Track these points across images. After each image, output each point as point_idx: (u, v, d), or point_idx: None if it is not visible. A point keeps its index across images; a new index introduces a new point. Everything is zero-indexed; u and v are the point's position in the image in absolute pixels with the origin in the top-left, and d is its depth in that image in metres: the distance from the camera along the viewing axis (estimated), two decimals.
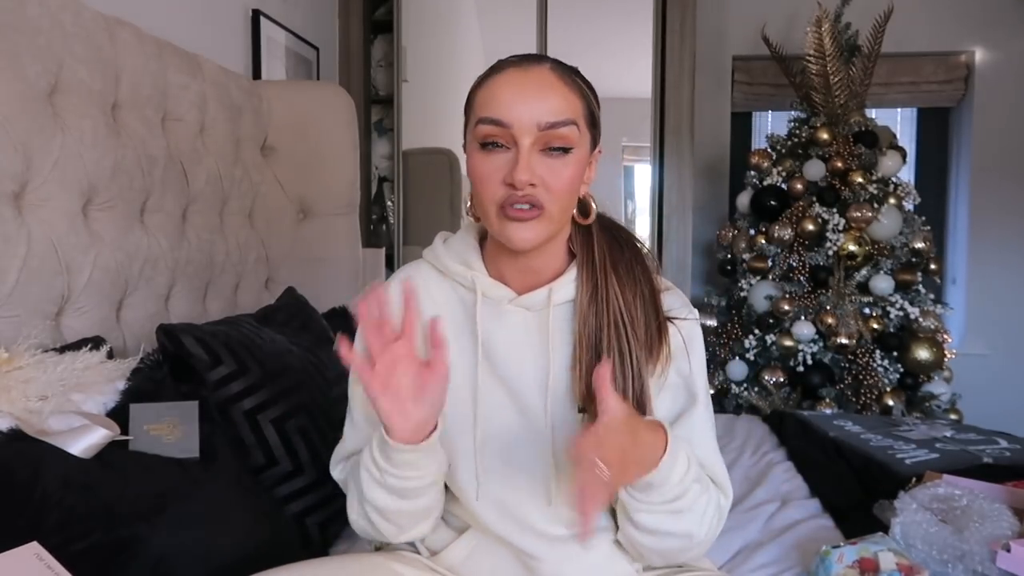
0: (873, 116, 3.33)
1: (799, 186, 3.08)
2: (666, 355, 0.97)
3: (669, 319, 0.98)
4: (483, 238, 1.03)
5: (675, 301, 1.00)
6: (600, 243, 0.97)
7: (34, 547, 0.82)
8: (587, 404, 0.94)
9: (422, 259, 1.06)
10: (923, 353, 2.96)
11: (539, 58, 0.93)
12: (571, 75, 0.93)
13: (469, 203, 0.98)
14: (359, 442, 1.02)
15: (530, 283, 0.98)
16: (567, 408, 0.97)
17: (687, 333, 0.99)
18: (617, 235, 1.00)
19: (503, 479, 0.98)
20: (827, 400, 2.97)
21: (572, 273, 0.98)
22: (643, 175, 3.37)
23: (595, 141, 0.96)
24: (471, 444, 0.97)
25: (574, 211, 0.97)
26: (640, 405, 0.93)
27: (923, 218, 3.15)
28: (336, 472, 1.06)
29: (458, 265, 1.01)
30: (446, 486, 1.05)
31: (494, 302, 0.99)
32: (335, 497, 1.37)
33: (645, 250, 1.01)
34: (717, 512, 0.97)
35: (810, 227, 3.02)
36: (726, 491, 1.00)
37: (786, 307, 3.02)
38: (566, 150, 0.90)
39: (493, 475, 0.97)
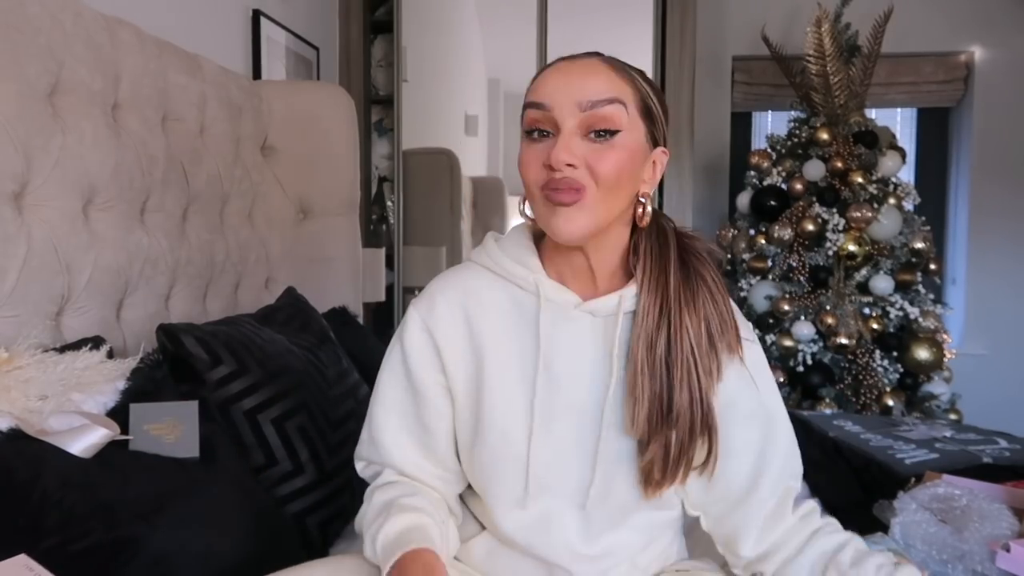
0: (873, 116, 3.33)
1: (799, 186, 3.08)
2: (737, 375, 0.94)
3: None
4: (537, 238, 0.99)
5: (736, 316, 0.96)
6: (678, 260, 0.92)
7: (22, 559, 0.81)
8: (643, 435, 0.90)
9: (470, 261, 1.02)
10: (923, 353, 2.96)
11: (593, 53, 0.92)
12: (625, 65, 0.91)
13: (522, 206, 0.95)
14: (381, 457, 1.00)
15: (588, 287, 0.95)
16: (620, 422, 0.93)
17: (749, 359, 0.95)
18: (686, 246, 0.95)
19: (551, 493, 0.94)
20: (827, 400, 2.97)
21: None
22: None
23: (655, 138, 0.91)
24: (524, 454, 0.93)
25: (635, 211, 0.92)
26: (708, 428, 0.91)
27: (923, 218, 3.15)
28: (359, 466, 1.04)
29: (517, 267, 0.96)
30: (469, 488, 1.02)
31: (557, 307, 0.94)
32: (335, 497, 1.37)
33: (715, 270, 0.95)
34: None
35: (810, 227, 3.02)
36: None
37: (786, 307, 3.02)
38: (612, 132, 0.86)
39: (541, 486, 0.94)
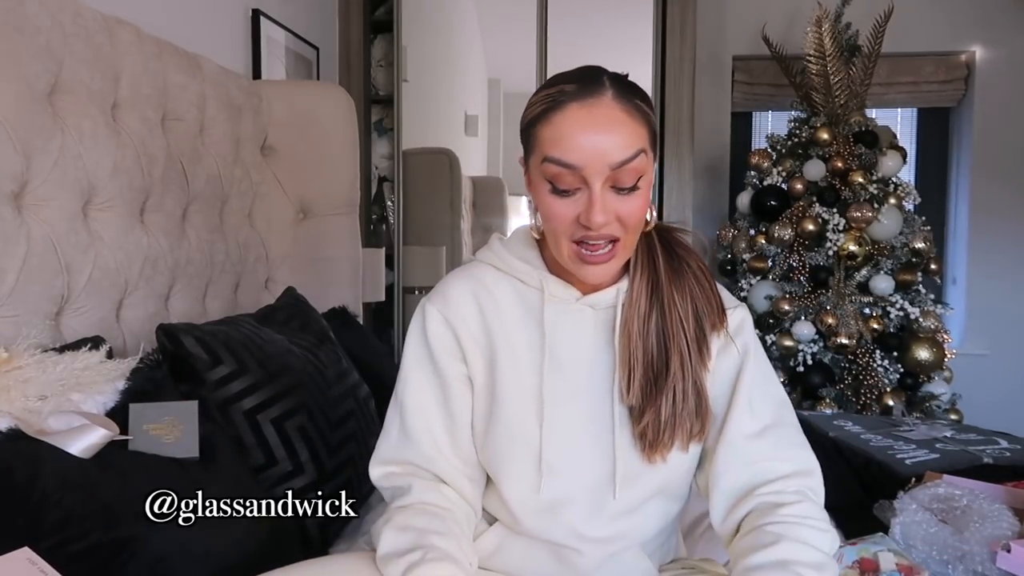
0: (873, 116, 3.33)
1: (799, 186, 3.08)
2: (721, 346, 1.00)
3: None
4: (540, 237, 1.03)
5: (721, 293, 1.02)
6: (663, 250, 0.99)
7: (25, 552, 0.81)
8: (637, 401, 0.96)
9: (476, 260, 1.06)
10: (923, 353, 2.96)
11: (598, 83, 0.90)
12: (632, 99, 0.90)
13: (533, 223, 1.00)
14: (412, 453, 1.00)
15: (591, 282, 0.99)
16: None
17: (735, 323, 1.01)
18: (669, 238, 1.02)
19: (563, 476, 0.98)
20: (827, 400, 2.97)
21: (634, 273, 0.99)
22: None
23: (655, 152, 0.95)
24: (536, 441, 0.97)
25: None
26: (699, 399, 0.96)
27: (923, 218, 3.15)
28: (376, 473, 1.04)
29: (522, 264, 1.01)
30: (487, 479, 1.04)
31: (560, 301, 1.00)
32: (335, 497, 1.37)
33: (694, 251, 1.02)
34: (823, 527, 0.93)
35: (810, 227, 3.02)
36: (810, 471, 0.98)
37: (786, 307, 3.02)
38: (637, 184, 0.89)
39: (554, 472, 0.97)
